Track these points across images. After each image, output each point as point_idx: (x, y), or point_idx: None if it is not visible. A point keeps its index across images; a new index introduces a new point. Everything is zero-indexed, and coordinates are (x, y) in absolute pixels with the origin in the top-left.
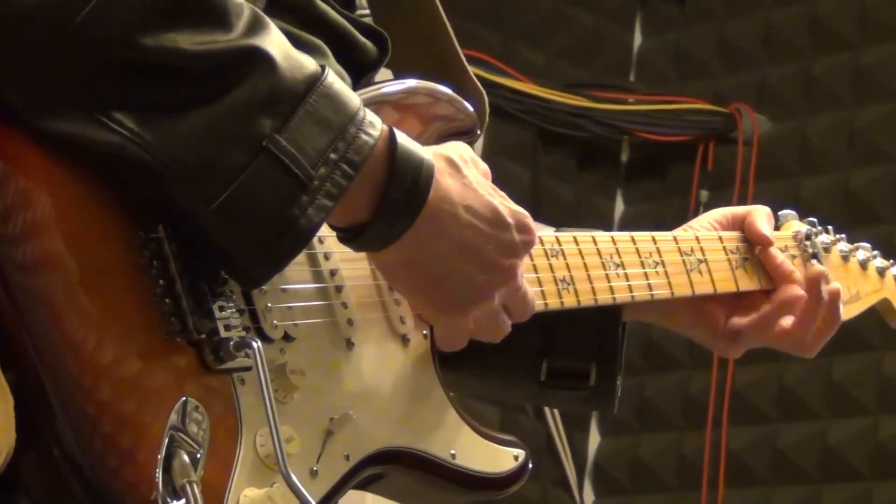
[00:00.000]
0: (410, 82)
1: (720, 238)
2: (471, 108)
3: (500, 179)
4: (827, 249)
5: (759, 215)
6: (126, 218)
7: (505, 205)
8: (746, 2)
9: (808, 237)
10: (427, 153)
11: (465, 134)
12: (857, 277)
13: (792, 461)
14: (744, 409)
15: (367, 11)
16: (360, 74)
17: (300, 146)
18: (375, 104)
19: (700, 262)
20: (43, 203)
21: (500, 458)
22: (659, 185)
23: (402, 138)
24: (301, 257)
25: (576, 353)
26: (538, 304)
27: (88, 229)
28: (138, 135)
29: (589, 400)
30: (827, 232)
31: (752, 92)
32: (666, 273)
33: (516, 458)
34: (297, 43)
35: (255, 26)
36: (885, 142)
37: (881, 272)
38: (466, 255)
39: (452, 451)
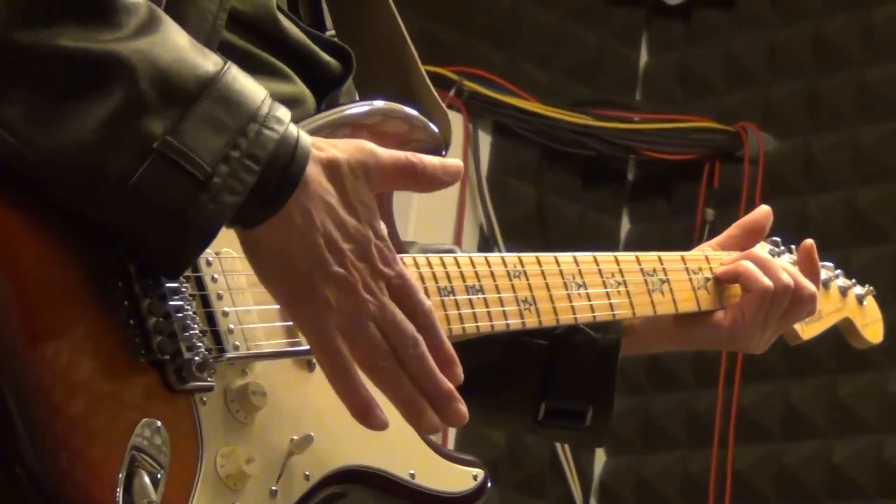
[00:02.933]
0: (374, 104)
1: (682, 258)
2: (435, 130)
3: (505, 198)
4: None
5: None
6: (89, 235)
7: (369, 218)
8: (751, 20)
9: (771, 256)
10: (304, 136)
11: (428, 154)
12: (819, 296)
13: (797, 480)
14: (749, 428)
15: (333, 32)
16: (325, 92)
17: (193, 148)
18: (336, 126)
19: (662, 282)
20: (3, 221)
21: (460, 477)
22: (665, 203)
23: (304, 135)
24: None
25: (574, 395)
26: (499, 325)
27: (53, 247)
28: (25, 141)
29: (580, 438)
30: (790, 252)
31: (758, 110)
32: (628, 293)
33: (475, 477)
34: (257, 64)
35: (149, 25)
36: (890, 159)
37: (843, 292)
38: (329, 245)
39: (412, 471)
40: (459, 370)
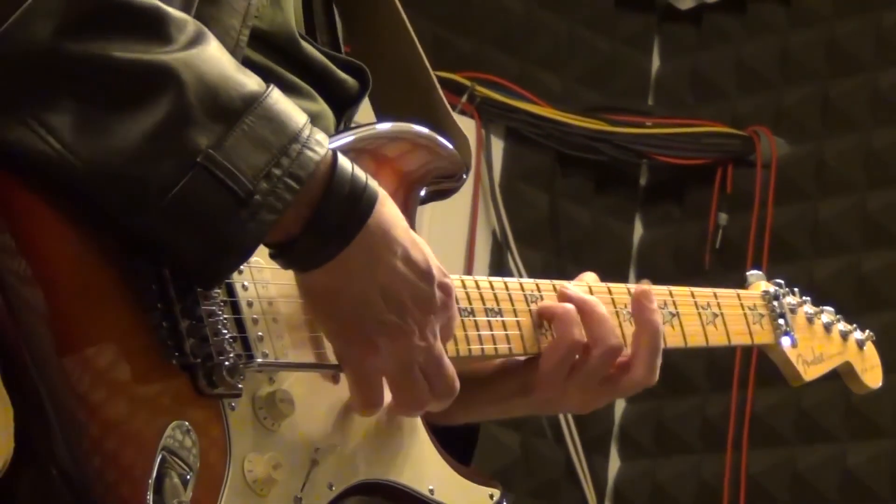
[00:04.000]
0: (394, 126)
1: (714, 294)
2: (454, 152)
3: (517, 204)
4: (793, 311)
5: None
6: (125, 238)
7: (434, 260)
8: (763, 25)
9: (775, 297)
10: (373, 182)
11: (449, 178)
12: (821, 339)
13: (812, 485)
14: (763, 433)
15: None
16: (342, 109)
17: (236, 164)
18: (358, 150)
19: (672, 315)
20: (42, 223)
21: (477, 496)
22: (677, 208)
23: (344, 160)
24: (293, 290)
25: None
26: (517, 348)
27: (88, 249)
28: (70, 148)
29: None
30: (793, 294)
31: (770, 115)
32: (681, 325)
33: (492, 496)
34: (279, 82)
35: (196, 41)
36: None
37: (844, 336)
38: (386, 292)
39: (431, 487)
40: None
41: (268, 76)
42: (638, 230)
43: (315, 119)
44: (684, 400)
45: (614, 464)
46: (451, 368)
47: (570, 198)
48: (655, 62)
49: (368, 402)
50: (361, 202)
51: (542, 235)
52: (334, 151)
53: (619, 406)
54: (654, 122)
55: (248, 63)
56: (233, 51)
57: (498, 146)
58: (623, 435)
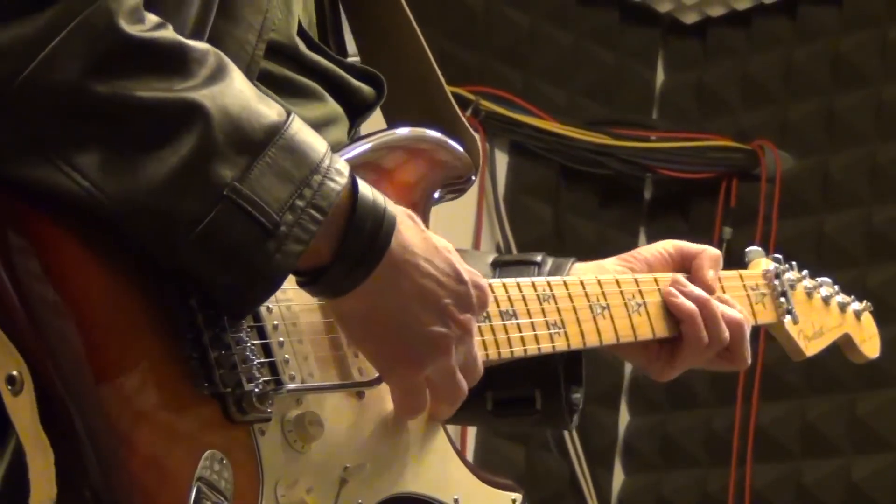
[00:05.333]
0: (409, 132)
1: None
2: (465, 154)
3: (522, 217)
4: (793, 286)
5: (707, 260)
6: (149, 267)
7: (461, 263)
8: (768, 39)
9: (776, 275)
10: (391, 204)
11: (459, 180)
12: (820, 313)
13: (816, 498)
14: (768, 446)
15: (357, 59)
16: (357, 115)
17: (262, 196)
18: (374, 158)
19: (639, 305)
20: (72, 254)
21: (500, 501)
22: (682, 222)
23: (364, 186)
24: (315, 307)
25: (516, 382)
26: (531, 349)
27: (118, 280)
28: (97, 185)
29: (540, 422)
30: (792, 268)
31: (775, 128)
32: (648, 314)
33: (514, 501)
34: (293, 86)
35: (218, 74)
36: None
37: (842, 308)
38: (424, 305)
39: (456, 497)
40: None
41: (284, 84)
42: (642, 244)
43: (330, 123)
44: (689, 413)
45: (618, 477)
46: (481, 365)
47: (574, 211)
48: (660, 76)
49: (416, 411)
50: (383, 225)
51: (546, 249)
52: (353, 178)
53: (623, 419)
54: (658, 136)
55: (265, 75)
56: (248, 65)
57: (502, 160)
58: (627, 448)
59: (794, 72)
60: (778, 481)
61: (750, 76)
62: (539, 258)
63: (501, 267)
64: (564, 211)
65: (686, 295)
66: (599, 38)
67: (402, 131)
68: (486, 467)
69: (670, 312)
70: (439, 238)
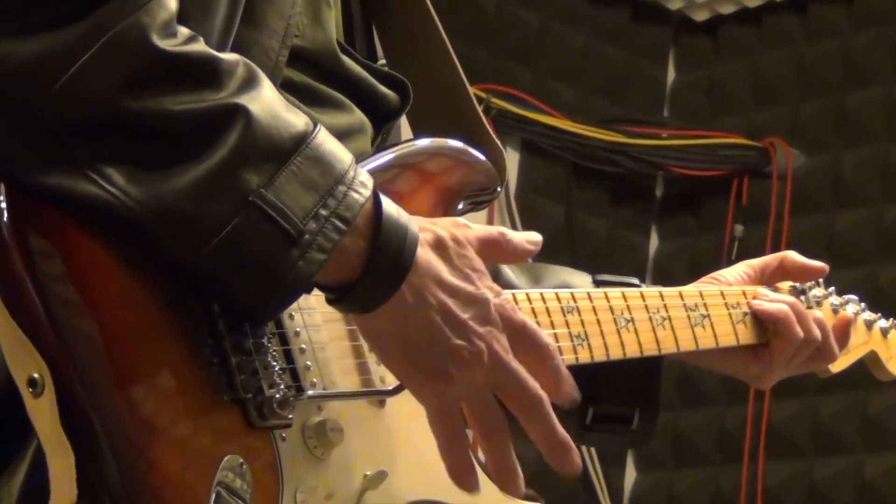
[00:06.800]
0: (431, 142)
1: (722, 293)
2: (489, 164)
3: (533, 215)
4: (819, 303)
5: (796, 255)
6: (171, 272)
7: (482, 278)
8: (779, 37)
9: (802, 291)
10: (412, 220)
11: (484, 191)
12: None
13: (828, 496)
14: (779, 444)
15: (384, 62)
16: (382, 123)
17: (287, 203)
18: (398, 167)
19: (704, 317)
20: (95, 258)
21: None
22: (693, 220)
23: (388, 203)
24: (337, 315)
25: (620, 398)
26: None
27: (139, 285)
28: (125, 191)
29: (627, 441)
30: (818, 285)
31: (786, 126)
32: (672, 327)
33: None
34: (318, 97)
35: (248, 84)
36: None
37: (869, 325)
38: (446, 320)
39: None
40: (577, 395)
41: (306, 93)
42: (654, 242)
43: (353, 133)
44: (701, 411)
45: (630, 476)
46: (530, 381)
47: (585, 210)
48: (671, 74)
49: (453, 435)
50: (407, 240)
51: (557, 247)
52: (375, 191)
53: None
54: (669, 134)
55: (287, 82)
56: (272, 72)
57: (513, 158)
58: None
59: (806, 69)
60: (790, 479)
61: (761, 74)
62: (636, 281)
63: (598, 286)
64: (575, 209)
65: (773, 300)
66: (610, 36)
67: (424, 142)
68: None
69: (753, 321)
70: (466, 254)
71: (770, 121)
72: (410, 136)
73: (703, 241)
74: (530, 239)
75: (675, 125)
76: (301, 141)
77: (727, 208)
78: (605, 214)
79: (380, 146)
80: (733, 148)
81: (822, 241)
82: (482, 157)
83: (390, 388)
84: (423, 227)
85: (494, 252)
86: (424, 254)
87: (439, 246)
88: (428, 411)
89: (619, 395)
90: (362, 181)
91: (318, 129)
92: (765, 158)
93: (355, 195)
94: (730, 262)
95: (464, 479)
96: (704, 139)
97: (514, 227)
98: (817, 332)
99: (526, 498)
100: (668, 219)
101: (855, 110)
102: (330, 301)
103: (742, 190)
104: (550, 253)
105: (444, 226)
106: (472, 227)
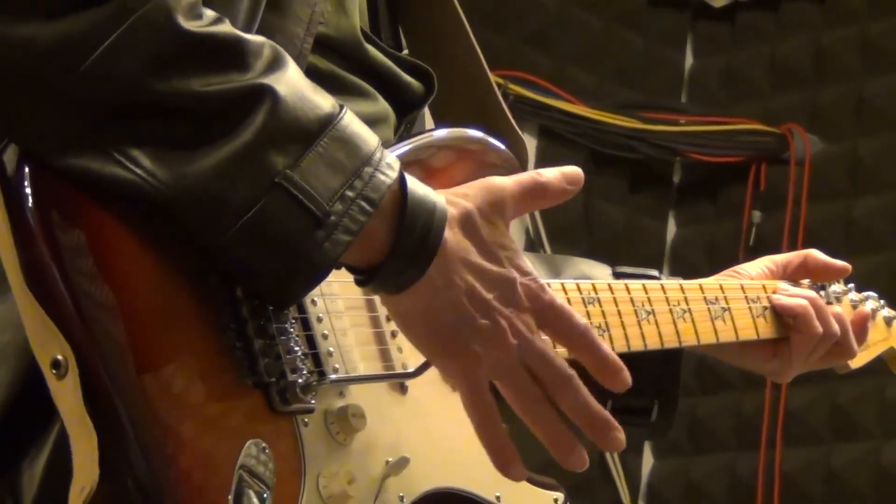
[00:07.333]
0: (449, 133)
1: (742, 287)
2: (510, 153)
3: None
4: (838, 299)
5: (819, 253)
6: (194, 256)
7: (513, 258)
8: (797, 22)
9: (821, 287)
10: (441, 200)
11: None
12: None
13: (846, 482)
14: (797, 430)
15: (407, 52)
16: (406, 112)
17: (313, 184)
18: (416, 160)
19: (724, 310)
20: (118, 242)
21: (542, 500)
22: (711, 206)
23: (414, 183)
24: (360, 302)
25: (640, 391)
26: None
27: (163, 270)
28: (151, 173)
29: (646, 433)
30: (837, 281)
31: (804, 112)
32: (693, 320)
33: (556, 500)
34: (343, 85)
35: (273, 65)
36: None
37: (888, 322)
38: (472, 300)
39: (497, 494)
40: (627, 376)
41: (331, 80)
42: (671, 228)
43: (377, 122)
44: (718, 397)
45: (648, 462)
46: (557, 359)
47: (603, 196)
48: (689, 60)
49: (483, 411)
50: (434, 220)
51: (575, 234)
52: (402, 173)
53: None
54: (687, 120)
55: (311, 69)
56: (296, 58)
57: (531, 144)
58: None
59: (824, 55)
60: (807, 465)
61: (779, 59)
62: (656, 273)
63: (618, 278)
64: (593, 195)
65: (792, 295)
66: (628, 21)
67: (442, 132)
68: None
69: (773, 316)
70: (497, 230)
71: (788, 107)
72: (433, 126)
73: (721, 228)
74: (567, 175)
75: (692, 111)
76: (327, 122)
77: (745, 194)
78: (622, 201)
79: (401, 136)
80: (751, 134)
81: (840, 228)
82: (502, 146)
83: (412, 369)
84: (452, 202)
85: (535, 199)
86: (452, 235)
87: (468, 223)
88: (459, 390)
89: (639, 387)
90: (389, 163)
91: (344, 110)
92: (783, 144)
93: (382, 177)
94: (748, 249)
95: (508, 468)
96: (722, 125)
97: (531, 214)
98: (836, 328)
99: (543, 485)
100: (686, 205)
101: (873, 96)
102: (358, 282)
103: (760, 176)
104: (568, 239)
105: (475, 195)
106: (507, 183)
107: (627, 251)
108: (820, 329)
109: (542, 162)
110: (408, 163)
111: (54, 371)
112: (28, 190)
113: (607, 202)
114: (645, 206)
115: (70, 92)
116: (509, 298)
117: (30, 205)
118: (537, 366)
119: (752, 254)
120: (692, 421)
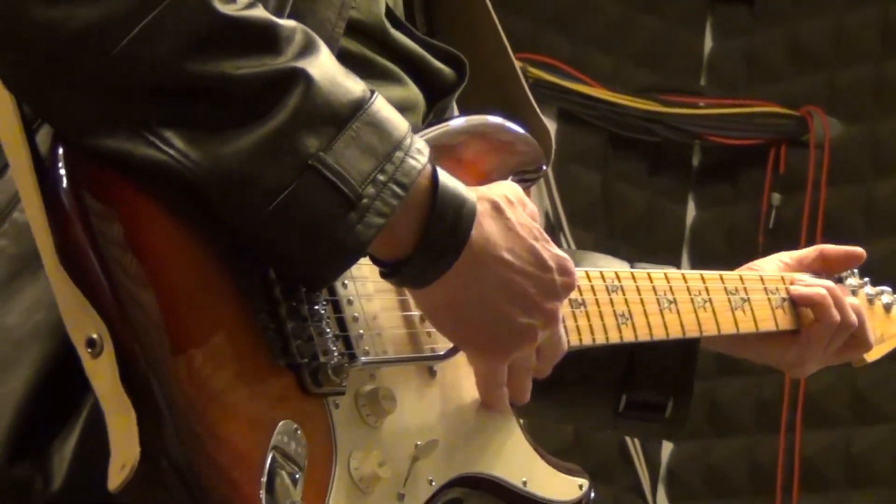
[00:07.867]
0: (468, 120)
1: (761, 278)
2: (533, 141)
3: (570, 185)
4: (855, 292)
5: (832, 245)
6: (227, 238)
7: (547, 248)
8: (817, 4)
9: (839, 280)
10: (470, 193)
11: (529, 168)
12: (882, 320)
13: (867, 465)
14: (817, 414)
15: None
16: (437, 98)
17: (345, 167)
18: (438, 147)
19: (743, 300)
20: (153, 223)
21: (567, 486)
22: (730, 189)
23: (444, 175)
24: (390, 285)
25: (655, 386)
26: (599, 339)
27: (196, 252)
28: (184, 154)
29: (660, 430)
30: (853, 275)
31: (824, 95)
32: (713, 310)
33: (581, 486)
34: (375, 69)
35: (306, 50)
36: None
37: None
38: (509, 297)
39: (524, 479)
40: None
41: (362, 64)
42: (691, 211)
43: (405, 108)
44: (737, 380)
45: (668, 446)
46: (564, 341)
47: (622, 179)
48: (708, 42)
49: (497, 394)
50: (463, 215)
51: (594, 217)
52: (433, 165)
53: None
54: (706, 103)
55: (343, 53)
56: (328, 41)
57: (550, 127)
58: None
59: (843, 37)
60: (827, 448)
61: (798, 42)
62: (674, 269)
63: None
64: (612, 178)
65: (810, 284)
66: (647, 4)
67: (458, 121)
68: (535, 437)
69: (791, 307)
70: (525, 215)
71: (808, 89)
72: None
73: (741, 211)
74: None
75: (712, 94)
76: (359, 106)
77: (764, 177)
78: (642, 184)
79: (429, 122)
80: (771, 116)
81: (860, 210)
82: (524, 134)
83: (441, 352)
84: (480, 197)
85: None
86: (483, 229)
87: (497, 213)
88: (478, 379)
89: (654, 382)
90: (419, 148)
91: (375, 95)
92: (802, 127)
93: (413, 161)
94: (767, 232)
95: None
96: (741, 108)
97: (551, 197)
98: (853, 317)
99: (568, 471)
100: (706, 188)
101: (893, 78)
102: (384, 276)
103: (779, 159)
104: (587, 223)
105: (494, 189)
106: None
107: (647, 234)
108: (837, 317)
109: (562, 145)
110: (436, 148)
111: (89, 350)
112: (62, 171)
113: (627, 185)
114: (664, 189)
115: (104, 73)
116: (552, 292)
117: (64, 185)
118: (548, 350)
119: (772, 237)
120: (712, 405)
